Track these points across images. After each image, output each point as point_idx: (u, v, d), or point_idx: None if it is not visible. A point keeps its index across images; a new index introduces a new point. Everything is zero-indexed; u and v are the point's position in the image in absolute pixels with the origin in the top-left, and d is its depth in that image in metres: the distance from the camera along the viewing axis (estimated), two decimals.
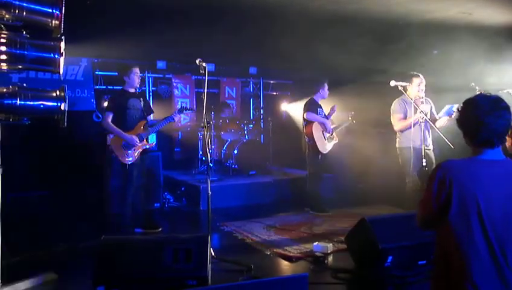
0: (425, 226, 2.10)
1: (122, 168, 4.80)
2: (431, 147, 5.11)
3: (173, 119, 5.03)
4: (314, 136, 5.83)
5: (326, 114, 6.10)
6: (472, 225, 1.88)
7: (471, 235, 1.88)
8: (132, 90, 4.95)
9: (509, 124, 1.98)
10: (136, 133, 4.82)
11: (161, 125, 5.08)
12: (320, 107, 6.08)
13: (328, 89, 6.10)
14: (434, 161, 5.04)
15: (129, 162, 4.77)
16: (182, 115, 8.40)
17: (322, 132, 5.97)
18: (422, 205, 2.05)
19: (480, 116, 1.94)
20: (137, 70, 4.93)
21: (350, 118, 6.29)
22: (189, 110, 5.84)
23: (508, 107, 1.97)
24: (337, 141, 6.16)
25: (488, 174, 1.93)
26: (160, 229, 5.20)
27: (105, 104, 4.94)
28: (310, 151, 5.92)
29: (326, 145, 5.99)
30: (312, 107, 5.95)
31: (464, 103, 2.05)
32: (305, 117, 5.92)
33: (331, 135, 6.07)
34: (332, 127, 6.09)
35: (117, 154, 4.75)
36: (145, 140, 4.90)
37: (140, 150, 4.86)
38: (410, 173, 5.01)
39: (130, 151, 4.78)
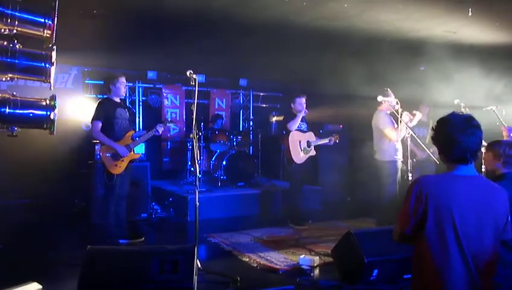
0: (402, 240, 2.14)
1: (109, 178, 4.75)
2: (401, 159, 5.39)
3: (158, 131, 4.95)
4: (290, 145, 5.87)
5: (304, 128, 6.11)
6: (447, 239, 1.94)
7: (446, 248, 1.94)
8: (117, 99, 4.88)
9: (481, 142, 2.06)
10: (125, 144, 4.79)
11: (146, 137, 5.01)
12: (301, 120, 6.03)
13: (306, 102, 6.02)
14: (400, 172, 5.24)
15: (117, 173, 4.72)
16: (172, 125, 8.46)
17: (299, 142, 5.98)
18: (399, 219, 2.10)
19: (453, 134, 2.02)
20: (123, 79, 4.87)
21: (334, 137, 6.20)
22: (170, 122, 5.74)
23: (479, 125, 2.06)
24: (313, 154, 6.15)
25: (462, 190, 2.00)
26: (143, 238, 5.16)
27: (94, 112, 4.75)
28: (283, 159, 6.07)
29: (300, 155, 5.95)
30: (290, 119, 5.96)
31: (437, 122, 2.13)
32: (286, 127, 5.92)
33: (309, 147, 6.07)
34: (313, 140, 6.12)
35: (106, 165, 4.69)
36: (132, 151, 4.86)
37: (128, 160, 4.82)
38: (390, 186, 5.23)
39: (118, 162, 4.73)
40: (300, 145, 5.99)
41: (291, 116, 5.97)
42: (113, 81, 4.81)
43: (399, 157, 5.40)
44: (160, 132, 5.03)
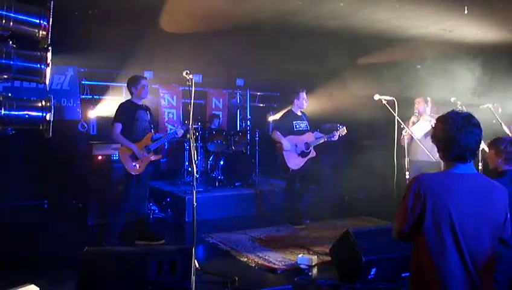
0: (401, 238, 2.15)
1: (127, 178, 4.84)
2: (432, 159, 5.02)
3: (177, 134, 5.06)
4: (283, 152, 5.70)
5: (303, 126, 5.90)
6: (444, 237, 1.94)
7: (444, 246, 1.94)
8: (139, 102, 4.98)
9: (481, 140, 2.06)
10: (144, 145, 4.87)
11: (166, 138, 5.12)
12: (299, 118, 5.91)
13: (306, 98, 5.94)
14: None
15: (135, 173, 4.79)
16: (169, 126, 8.46)
17: (295, 145, 5.77)
18: (398, 217, 2.10)
19: (452, 132, 2.02)
20: (145, 82, 4.99)
21: (340, 131, 5.87)
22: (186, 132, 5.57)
23: (478, 123, 2.06)
24: (313, 156, 5.89)
25: (460, 188, 2.00)
26: (163, 241, 5.07)
27: (114, 114, 4.89)
28: (279, 164, 5.86)
29: (296, 160, 5.76)
30: (282, 124, 5.85)
31: (437, 120, 2.13)
32: (271, 136, 5.85)
33: (307, 149, 5.85)
34: (312, 140, 5.87)
35: (125, 165, 4.78)
36: (152, 152, 4.92)
37: (148, 161, 4.88)
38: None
39: (136, 162, 4.80)
40: (297, 149, 5.78)
41: (282, 122, 5.87)
42: (134, 83, 4.92)
43: (418, 157, 5.29)
44: (179, 135, 5.08)
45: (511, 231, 2.10)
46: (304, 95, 5.92)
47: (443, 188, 2.00)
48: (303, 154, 5.83)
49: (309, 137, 5.92)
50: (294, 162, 5.76)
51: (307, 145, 5.85)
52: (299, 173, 5.84)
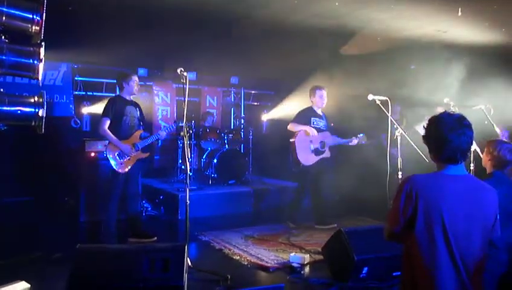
0: (392, 239, 2.15)
1: (114, 176, 4.75)
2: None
3: (159, 135, 5.09)
4: (296, 145, 5.55)
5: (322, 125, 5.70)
6: (436, 238, 1.95)
7: (435, 247, 1.95)
8: (129, 97, 4.92)
9: (472, 141, 2.06)
10: (133, 142, 4.79)
11: (152, 139, 5.03)
12: (319, 116, 5.72)
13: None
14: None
15: (122, 171, 4.71)
16: (162, 123, 8.45)
17: (310, 142, 5.60)
18: (389, 217, 2.11)
19: (444, 133, 2.02)
20: (136, 78, 4.94)
21: (359, 138, 5.74)
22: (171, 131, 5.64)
23: (470, 124, 2.06)
24: (328, 156, 5.70)
25: (451, 189, 2.01)
26: (155, 238, 5.05)
27: (103, 108, 4.81)
28: (291, 158, 5.67)
29: (309, 156, 5.57)
30: (300, 117, 5.67)
31: (429, 121, 2.13)
32: (288, 129, 5.67)
33: (322, 148, 5.67)
34: (329, 140, 5.70)
35: (112, 162, 4.70)
36: (140, 150, 4.84)
37: (135, 160, 4.80)
38: None
39: (125, 161, 4.72)
40: (311, 145, 5.61)
41: (301, 116, 5.65)
42: (126, 78, 4.87)
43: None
44: (162, 137, 5.12)
45: (499, 232, 2.12)
46: (321, 92, 5.64)
47: (435, 189, 2.00)
48: (316, 152, 5.65)
49: (326, 136, 5.75)
50: (306, 158, 5.58)
51: (323, 143, 5.69)
52: (310, 171, 5.64)
